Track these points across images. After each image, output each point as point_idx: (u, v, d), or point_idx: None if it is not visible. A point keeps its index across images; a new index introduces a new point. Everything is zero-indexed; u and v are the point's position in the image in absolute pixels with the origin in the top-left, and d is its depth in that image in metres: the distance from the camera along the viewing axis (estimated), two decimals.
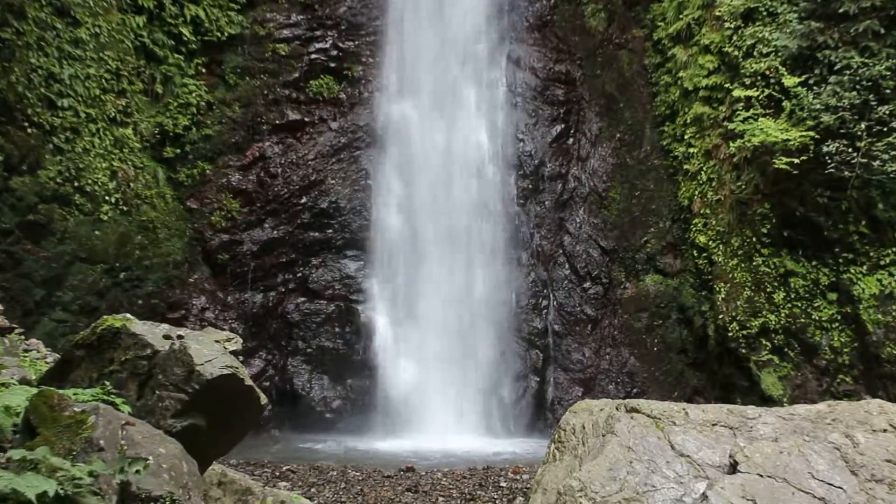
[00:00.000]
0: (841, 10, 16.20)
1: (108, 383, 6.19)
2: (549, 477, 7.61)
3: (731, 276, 18.07)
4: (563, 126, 21.46)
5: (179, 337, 6.53)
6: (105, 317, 6.68)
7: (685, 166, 20.07)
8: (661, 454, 7.03)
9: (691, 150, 19.79)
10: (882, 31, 15.93)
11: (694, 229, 19.55)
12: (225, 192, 19.92)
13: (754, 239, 17.85)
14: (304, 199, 20.30)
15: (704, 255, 19.19)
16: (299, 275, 20.19)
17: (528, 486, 12.88)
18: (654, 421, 7.40)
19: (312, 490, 12.96)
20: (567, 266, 20.94)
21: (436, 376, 19.63)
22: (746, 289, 17.73)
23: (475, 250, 20.54)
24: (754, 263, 17.76)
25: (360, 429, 19.16)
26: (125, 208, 18.05)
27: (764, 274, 17.56)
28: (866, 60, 15.83)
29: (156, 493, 5.14)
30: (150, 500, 5.07)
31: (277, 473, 14.23)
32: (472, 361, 20.08)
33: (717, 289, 18.32)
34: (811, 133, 16.08)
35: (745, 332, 17.61)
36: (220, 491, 7.32)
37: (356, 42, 20.76)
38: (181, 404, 6.12)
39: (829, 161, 15.86)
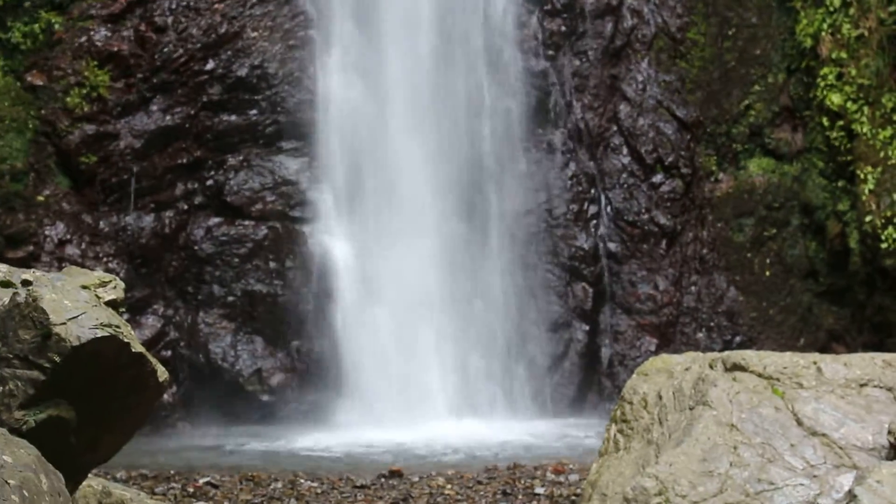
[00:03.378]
0: None
1: None
2: (610, 475, 7.85)
3: (882, 154, 18.34)
4: None
5: (26, 283, 6.61)
6: None
7: None
8: (781, 434, 7.25)
9: None
10: None
11: (823, 84, 19.67)
12: (86, 59, 19.75)
13: None
14: (210, 65, 20.26)
15: (840, 123, 19.33)
16: (210, 183, 20.26)
17: (578, 491, 12.94)
18: (769, 383, 7.64)
19: None
20: (626, 150, 21.12)
21: (428, 331, 19.86)
22: None
23: (480, 132, 20.64)
24: None
25: (315, 416, 19.37)
26: None
27: None
28: None
29: None
30: None
31: (191, 489, 14.36)
32: (481, 305, 20.29)
33: (862, 175, 18.54)
34: None
35: None
36: None
37: None
38: (34, 387, 6.20)
39: None
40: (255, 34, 20.34)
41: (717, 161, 21.04)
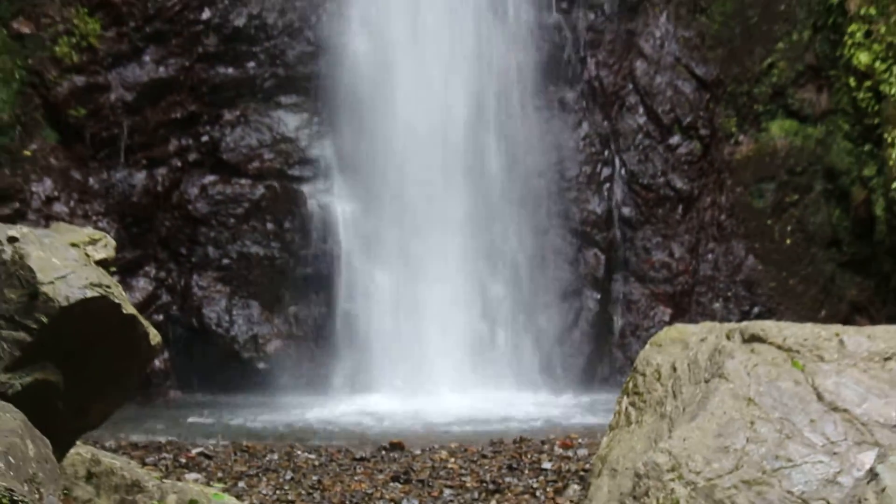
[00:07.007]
0: None
1: None
2: (621, 449, 7.85)
3: None
4: None
5: (12, 240, 6.50)
6: None
7: None
8: (801, 408, 7.21)
9: None
10: None
11: (850, 42, 19.54)
12: (76, 6, 19.66)
13: None
14: (206, 14, 20.23)
15: (868, 84, 19.25)
16: (205, 139, 20.28)
17: (588, 465, 12.81)
18: (788, 355, 7.55)
19: (241, 483, 13.01)
20: (642, 110, 21.02)
21: (432, 297, 19.85)
22: None
23: (488, 88, 20.55)
24: None
25: (313, 384, 19.45)
26: None
27: None
28: None
29: None
30: None
31: (183, 459, 14.27)
32: (489, 271, 20.32)
33: (890, 139, 18.51)
34: None
35: None
36: (90, 487, 7.55)
37: None
38: (20, 348, 6.20)
39: None
40: None
41: (737, 122, 20.93)
